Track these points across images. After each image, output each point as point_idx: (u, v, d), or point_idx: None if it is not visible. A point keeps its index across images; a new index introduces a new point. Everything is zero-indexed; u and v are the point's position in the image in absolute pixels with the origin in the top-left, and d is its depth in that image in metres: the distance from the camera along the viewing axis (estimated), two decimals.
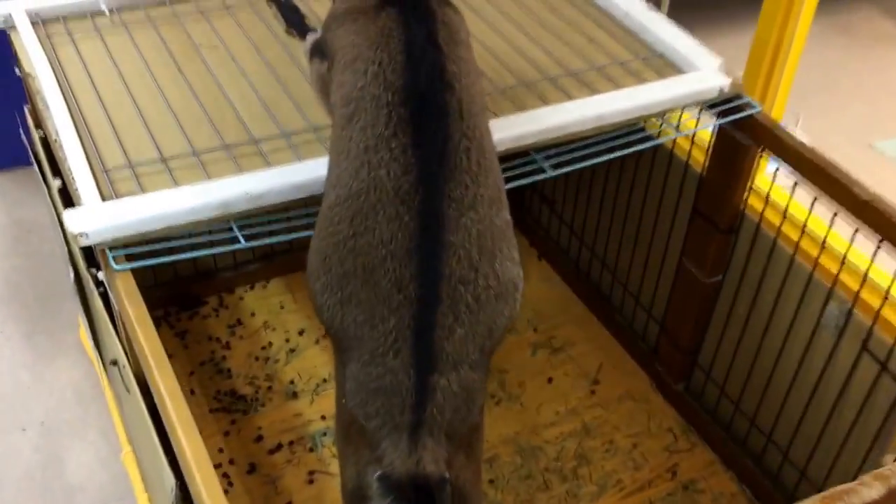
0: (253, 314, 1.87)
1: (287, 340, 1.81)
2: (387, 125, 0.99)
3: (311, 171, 1.15)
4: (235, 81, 1.36)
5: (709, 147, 1.46)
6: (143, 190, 1.13)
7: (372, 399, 0.91)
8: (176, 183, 1.14)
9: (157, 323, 1.73)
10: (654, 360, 1.72)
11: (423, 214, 0.94)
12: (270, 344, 1.80)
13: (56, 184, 1.24)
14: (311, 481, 1.55)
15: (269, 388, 1.72)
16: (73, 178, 1.12)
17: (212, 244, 1.12)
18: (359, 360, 0.95)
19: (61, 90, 1.29)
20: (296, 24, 1.40)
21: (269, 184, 1.13)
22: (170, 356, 1.78)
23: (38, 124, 1.40)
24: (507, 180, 1.17)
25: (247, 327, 1.84)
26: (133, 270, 1.06)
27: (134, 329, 1.01)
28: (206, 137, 1.23)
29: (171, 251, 1.08)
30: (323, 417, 1.66)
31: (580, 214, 1.85)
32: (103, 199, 1.09)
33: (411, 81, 1.00)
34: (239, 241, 1.09)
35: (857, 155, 2.70)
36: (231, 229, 1.11)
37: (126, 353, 1.09)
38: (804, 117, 2.71)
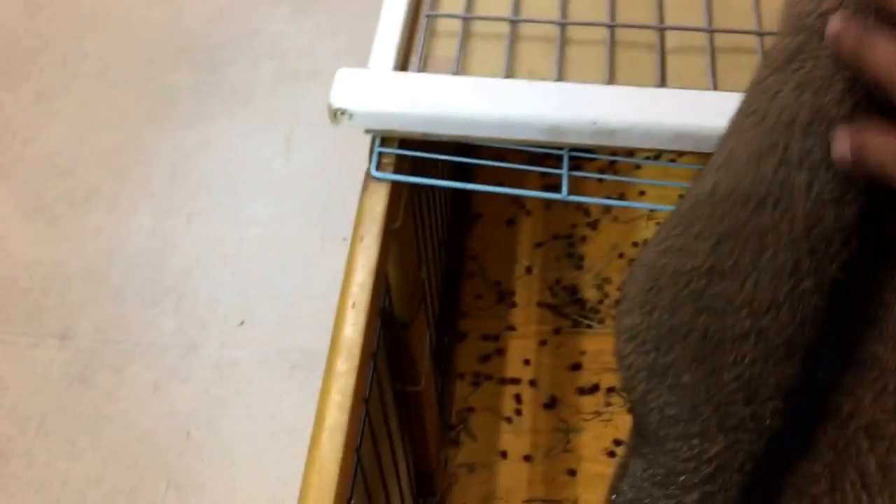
0: (643, 192, 1.42)
1: None
2: (840, 100, 0.50)
3: (721, 109, 0.69)
4: None
5: None
6: (462, 62, 0.76)
7: None
8: (510, 67, 0.75)
9: None
10: None
11: (841, 287, 0.48)
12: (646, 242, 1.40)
13: None
14: (610, 453, 1.21)
15: (618, 302, 1.34)
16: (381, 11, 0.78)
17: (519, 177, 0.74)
18: (647, 466, 0.56)
19: None
20: None
21: (642, 115, 0.70)
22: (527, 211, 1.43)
23: None
24: None
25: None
26: None
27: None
28: (597, 4, 0.81)
29: (461, 173, 0.72)
30: None
31: None
32: (400, 66, 0.75)
33: None
34: (561, 186, 0.70)
35: None
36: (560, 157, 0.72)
37: None
38: None
